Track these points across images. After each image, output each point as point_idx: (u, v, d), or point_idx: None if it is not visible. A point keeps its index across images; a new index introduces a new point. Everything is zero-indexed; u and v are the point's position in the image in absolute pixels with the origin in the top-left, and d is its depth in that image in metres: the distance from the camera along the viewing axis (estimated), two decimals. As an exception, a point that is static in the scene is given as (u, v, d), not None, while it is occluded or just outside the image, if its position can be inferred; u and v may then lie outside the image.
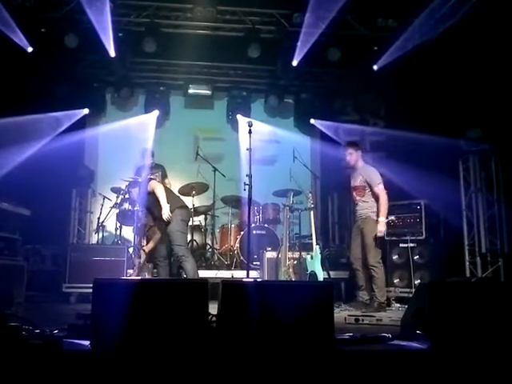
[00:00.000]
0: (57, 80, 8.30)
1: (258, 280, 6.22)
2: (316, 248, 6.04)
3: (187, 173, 8.43)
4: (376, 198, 5.88)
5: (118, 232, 7.73)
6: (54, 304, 6.22)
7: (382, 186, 5.86)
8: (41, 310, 5.55)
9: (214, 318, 3.13)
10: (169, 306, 3.02)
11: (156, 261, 6.31)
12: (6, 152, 7.11)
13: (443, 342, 3.19)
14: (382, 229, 5.79)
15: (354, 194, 6.08)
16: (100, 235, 7.94)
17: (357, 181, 6.04)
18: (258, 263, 7.15)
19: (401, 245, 6.89)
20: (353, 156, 6.07)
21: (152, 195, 6.05)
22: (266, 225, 7.89)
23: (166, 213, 5.80)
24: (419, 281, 6.53)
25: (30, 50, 7.14)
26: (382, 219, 5.79)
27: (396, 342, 3.47)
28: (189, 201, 7.57)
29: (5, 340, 3.05)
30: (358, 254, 5.94)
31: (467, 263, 6.86)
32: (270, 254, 6.91)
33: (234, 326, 3.01)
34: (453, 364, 3.10)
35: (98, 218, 7.96)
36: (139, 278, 5.90)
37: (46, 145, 7.78)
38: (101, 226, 7.95)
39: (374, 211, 5.87)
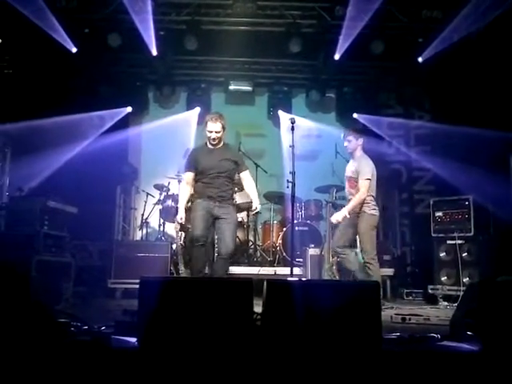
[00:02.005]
0: (100, 79, 8.49)
1: (303, 279, 6.21)
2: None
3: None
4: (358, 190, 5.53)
5: (162, 228, 7.85)
6: (101, 299, 6.37)
7: (367, 183, 5.49)
8: (88, 306, 5.69)
9: (258, 317, 3.13)
10: (214, 305, 3.04)
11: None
12: (53, 152, 7.32)
13: (494, 343, 3.10)
14: (337, 217, 5.51)
15: (347, 185, 5.81)
16: (144, 231, 8.09)
17: (350, 171, 5.76)
18: (301, 260, 7.13)
19: (448, 242, 6.75)
20: (351, 144, 5.75)
21: None
22: (308, 221, 7.86)
23: None
24: (467, 279, 6.38)
25: (74, 50, 7.28)
26: (344, 211, 5.48)
27: (445, 342, 3.38)
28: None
29: (55, 336, 3.12)
30: (339, 242, 5.68)
31: (518, 261, 6.64)
32: (312, 251, 6.88)
33: (279, 325, 3.00)
34: (505, 367, 3.00)
35: (142, 215, 8.11)
36: (183, 275, 5.92)
37: (91, 144, 7.98)
38: (145, 223, 8.10)
39: (369, 205, 5.54)
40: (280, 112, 9.05)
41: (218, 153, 5.36)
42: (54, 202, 6.00)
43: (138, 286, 3.12)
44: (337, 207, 6.89)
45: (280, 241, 7.65)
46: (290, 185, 5.19)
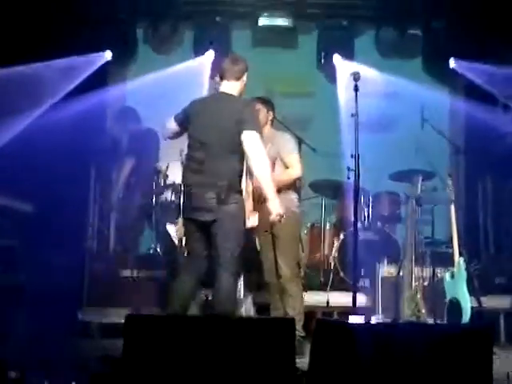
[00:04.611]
0: (62, 10, 8.39)
1: (376, 320, 6.17)
2: (459, 261, 5.97)
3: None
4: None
5: (155, 234, 7.90)
6: (68, 339, 6.40)
7: (297, 157, 6.01)
8: (48, 350, 5.71)
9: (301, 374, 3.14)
10: (237, 356, 3.11)
11: None
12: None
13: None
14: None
15: None
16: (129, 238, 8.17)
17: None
18: (368, 283, 7.16)
19: None
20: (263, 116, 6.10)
21: None
22: (379, 224, 7.84)
23: None
24: None
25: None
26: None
27: None
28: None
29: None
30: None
31: None
32: (386, 270, 6.91)
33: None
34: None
35: (128, 213, 8.20)
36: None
37: (51, 109, 7.96)
38: (131, 226, 8.15)
39: (293, 199, 6.00)
40: (336, 59, 8.97)
41: None
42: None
43: (122, 321, 3.15)
44: (422, 204, 6.86)
45: (335, 253, 7.66)
46: (353, 174, 5.19)
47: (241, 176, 5.35)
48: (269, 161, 5.32)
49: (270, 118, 6.21)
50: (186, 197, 5.46)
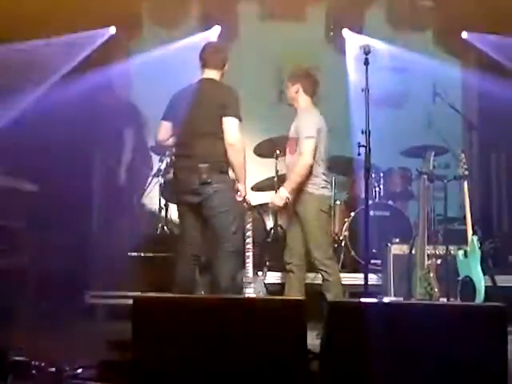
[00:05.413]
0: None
1: (389, 299, 6.15)
2: (473, 239, 5.91)
3: (267, 122, 8.43)
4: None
5: (163, 213, 7.90)
6: (74, 323, 6.39)
7: (310, 143, 5.84)
8: (55, 334, 5.70)
9: (314, 358, 3.13)
10: (246, 338, 3.13)
11: None
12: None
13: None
14: (275, 201, 5.98)
15: (287, 151, 6.19)
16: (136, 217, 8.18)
17: (291, 131, 6.14)
18: (379, 262, 7.12)
19: None
20: (288, 90, 6.19)
21: None
22: (390, 202, 7.83)
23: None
24: None
25: None
26: (283, 191, 5.89)
27: None
28: (271, 165, 7.55)
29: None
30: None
31: None
32: (397, 249, 6.84)
33: (347, 374, 3.01)
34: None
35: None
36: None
37: (54, 88, 7.93)
38: (138, 204, 8.15)
39: (315, 180, 5.93)
40: (346, 32, 8.94)
41: None
42: (1, 176, 6.05)
43: (130, 303, 3.19)
44: (435, 180, 6.81)
45: (346, 232, 7.62)
46: (364, 150, 5.18)
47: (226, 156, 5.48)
48: (244, 147, 5.61)
49: (295, 91, 6.13)
50: (175, 181, 5.77)
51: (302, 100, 6.11)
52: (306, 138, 5.82)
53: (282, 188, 5.93)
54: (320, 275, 5.94)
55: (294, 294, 5.78)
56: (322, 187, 5.96)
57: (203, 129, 5.49)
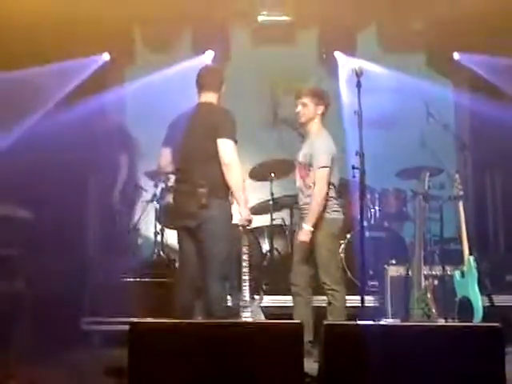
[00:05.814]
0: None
1: (387, 322, 6.15)
2: (469, 259, 5.94)
3: (261, 145, 8.47)
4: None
5: (159, 238, 7.92)
6: (70, 349, 6.36)
7: (325, 174, 5.78)
8: (49, 361, 5.67)
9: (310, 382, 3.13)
10: (243, 363, 3.12)
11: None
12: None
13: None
14: (304, 237, 5.81)
15: (298, 174, 6.13)
16: (133, 243, 8.19)
17: (302, 154, 6.05)
18: (376, 283, 7.13)
19: None
20: (308, 109, 5.98)
21: None
22: (386, 223, 7.83)
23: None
24: None
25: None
26: (306, 227, 5.77)
27: None
28: (266, 188, 7.56)
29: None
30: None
31: None
32: (394, 270, 6.87)
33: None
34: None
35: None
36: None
37: (50, 114, 7.95)
38: (133, 230, 8.14)
39: (328, 204, 5.87)
40: (338, 54, 9.00)
41: None
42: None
43: (126, 329, 3.19)
44: (430, 200, 6.83)
45: (342, 254, 7.56)
46: (357, 172, 5.20)
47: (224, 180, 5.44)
48: (240, 168, 5.52)
49: (319, 112, 6.02)
50: (174, 206, 5.75)
51: (318, 122, 6.04)
52: (322, 168, 5.77)
53: (304, 224, 5.81)
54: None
55: (303, 317, 5.65)
56: (334, 211, 5.91)
57: (201, 153, 5.48)
